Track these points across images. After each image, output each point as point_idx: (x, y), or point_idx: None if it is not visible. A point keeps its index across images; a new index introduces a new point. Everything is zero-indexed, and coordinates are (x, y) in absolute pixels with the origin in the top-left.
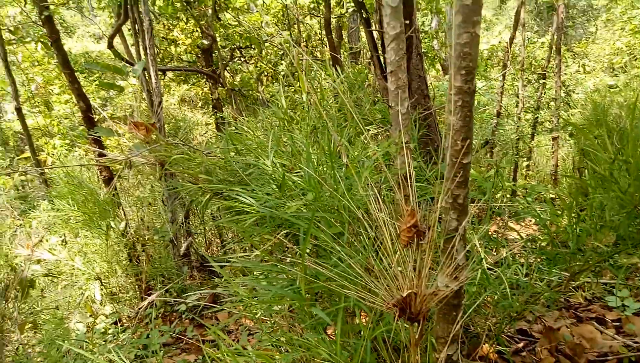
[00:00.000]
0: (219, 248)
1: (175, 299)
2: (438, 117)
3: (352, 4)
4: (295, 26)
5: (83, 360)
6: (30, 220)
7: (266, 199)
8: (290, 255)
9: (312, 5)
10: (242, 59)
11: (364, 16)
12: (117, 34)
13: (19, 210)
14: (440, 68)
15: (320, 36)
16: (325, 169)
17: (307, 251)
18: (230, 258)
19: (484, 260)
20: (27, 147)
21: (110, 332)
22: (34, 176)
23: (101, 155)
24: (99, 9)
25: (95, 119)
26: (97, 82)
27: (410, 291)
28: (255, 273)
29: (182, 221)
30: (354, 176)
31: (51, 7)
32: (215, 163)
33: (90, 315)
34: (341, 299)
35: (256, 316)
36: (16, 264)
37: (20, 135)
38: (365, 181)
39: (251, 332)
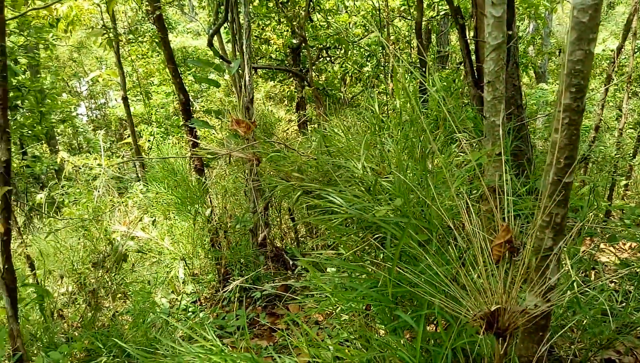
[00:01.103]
0: (292, 242)
1: (253, 286)
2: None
3: (445, 8)
4: (385, 28)
5: (168, 331)
6: (127, 199)
7: (354, 201)
8: (373, 258)
9: (402, 8)
10: (328, 59)
11: (460, 22)
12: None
13: (117, 189)
14: (533, 75)
15: (407, 39)
16: (415, 175)
17: (392, 255)
18: (320, 253)
19: (575, 282)
20: (126, 132)
21: (190, 309)
22: (132, 159)
23: (195, 145)
24: (199, 7)
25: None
26: (194, 76)
27: (498, 306)
28: (335, 270)
29: (261, 213)
30: (445, 185)
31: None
32: (306, 163)
33: (173, 292)
34: (424, 305)
35: (331, 311)
36: (114, 239)
37: (122, 121)
38: (456, 191)
39: (321, 327)
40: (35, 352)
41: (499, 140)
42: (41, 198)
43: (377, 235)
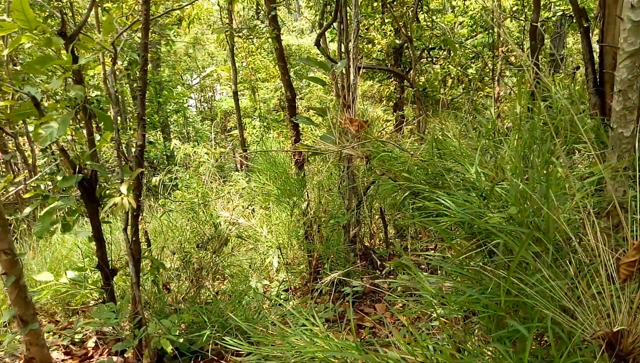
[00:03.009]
0: (381, 242)
1: (346, 279)
2: None
3: (563, 8)
4: (494, 29)
5: (263, 315)
6: (230, 187)
7: (465, 206)
8: (481, 264)
9: (514, 8)
10: (430, 60)
11: (584, 25)
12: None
13: (221, 178)
14: None
15: (518, 40)
16: (531, 184)
17: (500, 263)
18: (428, 255)
19: None
20: (230, 123)
21: (282, 297)
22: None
23: (297, 140)
24: (306, 7)
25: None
26: (304, 76)
27: (622, 327)
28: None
29: (353, 210)
30: (563, 196)
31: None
32: (416, 164)
33: (266, 278)
34: (534, 318)
35: (418, 316)
36: (218, 223)
37: (226, 113)
38: (577, 204)
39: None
40: (148, 317)
41: (627, 154)
42: (157, 181)
43: (483, 241)
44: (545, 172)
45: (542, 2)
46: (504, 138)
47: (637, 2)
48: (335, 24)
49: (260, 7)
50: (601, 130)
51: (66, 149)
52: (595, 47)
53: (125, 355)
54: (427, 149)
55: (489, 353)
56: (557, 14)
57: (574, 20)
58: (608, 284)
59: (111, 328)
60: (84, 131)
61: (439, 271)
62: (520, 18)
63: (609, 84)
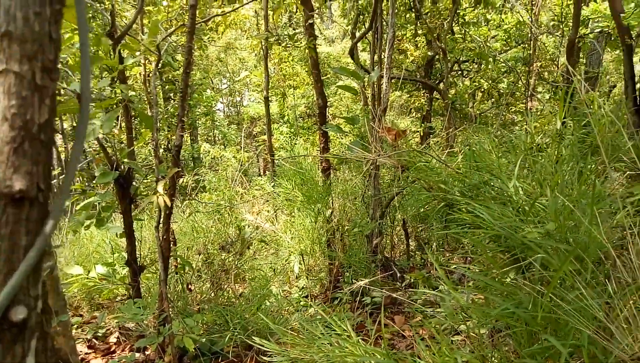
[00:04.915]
0: (402, 254)
1: (370, 286)
2: None
3: (601, 25)
4: (529, 44)
5: (282, 319)
6: (255, 192)
7: (502, 220)
8: (515, 279)
9: (551, 23)
10: (460, 73)
11: (627, 43)
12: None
13: (247, 182)
14: None
15: (552, 56)
16: (572, 201)
17: (535, 279)
18: (460, 265)
19: None
20: (256, 129)
21: (301, 303)
22: (258, 155)
23: (326, 148)
24: (341, 15)
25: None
26: (338, 85)
27: None
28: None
29: (377, 220)
30: (603, 214)
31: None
32: (451, 175)
33: (286, 284)
34: (569, 335)
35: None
36: (242, 226)
37: (253, 119)
38: (618, 222)
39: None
40: (172, 316)
41: None
42: (184, 182)
43: (519, 256)
44: (584, 189)
45: (581, 18)
46: (541, 153)
47: None
48: (368, 34)
49: (294, 14)
50: None
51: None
52: (638, 66)
53: (146, 352)
54: (463, 161)
55: None
56: (596, 31)
57: (612, 38)
58: None
59: (134, 324)
60: (116, 131)
61: (463, 285)
62: (557, 34)
63: None
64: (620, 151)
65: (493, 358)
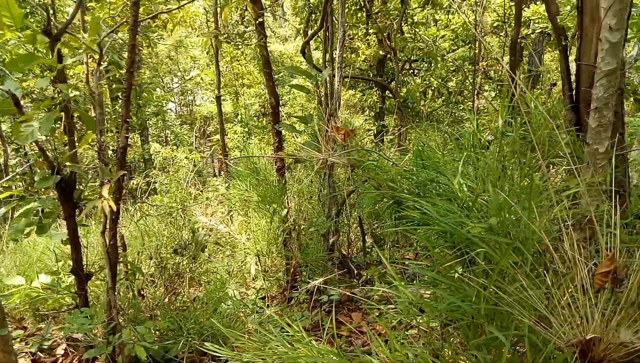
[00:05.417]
0: (358, 251)
1: (326, 286)
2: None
3: (542, 26)
4: (475, 43)
5: (239, 322)
6: (209, 193)
7: (448, 216)
8: (461, 273)
9: (495, 24)
10: (411, 71)
11: (563, 43)
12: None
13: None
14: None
15: (497, 55)
16: (513, 196)
17: (480, 272)
18: (411, 262)
19: None
20: (209, 128)
21: (258, 305)
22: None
23: (279, 148)
24: (292, 14)
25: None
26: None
27: (595, 335)
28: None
29: (333, 218)
30: (542, 208)
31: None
32: (400, 173)
33: (243, 286)
34: (511, 326)
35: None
36: (196, 229)
37: (206, 118)
38: (555, 216)
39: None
40: (122, 324)
41: (601, 169)
42: (134, 184)
43: (464, 251)
44: (524, 184)
45: (522, 19)
46: (485, 150)
47: (615, 24)
48: (320, 33)
49: (245, 13)
50: (577, 145)
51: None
52: (573, 65)
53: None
54: (411, 159)
55: (466, 361)
56: (537, 31)
57: (552, 38)
58: (582, 294)
59: (82, 334)
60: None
61: (416, 281)
62: (501, 34)
63: (585, 101)
64: (557, 147)
65: (443, 352)
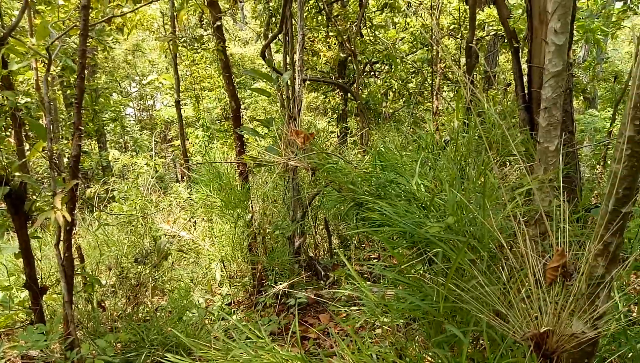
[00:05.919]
0: (325, 252)
1: (292, 290)
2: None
3: (496, 28)
4: (433, 46)
5: (205, 330)
6: (170, 199)
7: (407, 216)
8: (421, 272)
9: (451, 26)
10: (372, 73)
11: (514, 45)
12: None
13: (161, 189)
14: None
15: (455, 57)
16: (467, 195)
17: (439, 271)
18: (372, 264)
19: (622, 314)
20: (170, 133)
21: (225, 311)
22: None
23: (241, 151)
24: (252, 17)
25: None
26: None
27: (548, 328)
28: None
29: (298, 221)
30: (497, 206)
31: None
32: (360, 176)
33: (208, 293)
34: (470, 322)
35: (362, 326)
36: (157, 236)
37: (167, 123)
38: (509, 213)
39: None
40: (81, 338)
41: (552, 166)
42: (92, 192)
43: (423, 250)
44: (480, 183)
45: (477, 22)
46: (442, 150)
47: (560, 28)
48: (280, 36)
49: (204, 16)
50: (530, 144)
51: None
52: (525, 66)
53: None
54: (371, 161)
55: (429, 358)
56: (491, 34)
57: (505, 40)
58: (536, 288)
59: (38, 351)
60: (11, 140)
61: (381, 280)
62: (457, 36)
63: (537, 101)
64: (510, 146)
65: (407, 350)
